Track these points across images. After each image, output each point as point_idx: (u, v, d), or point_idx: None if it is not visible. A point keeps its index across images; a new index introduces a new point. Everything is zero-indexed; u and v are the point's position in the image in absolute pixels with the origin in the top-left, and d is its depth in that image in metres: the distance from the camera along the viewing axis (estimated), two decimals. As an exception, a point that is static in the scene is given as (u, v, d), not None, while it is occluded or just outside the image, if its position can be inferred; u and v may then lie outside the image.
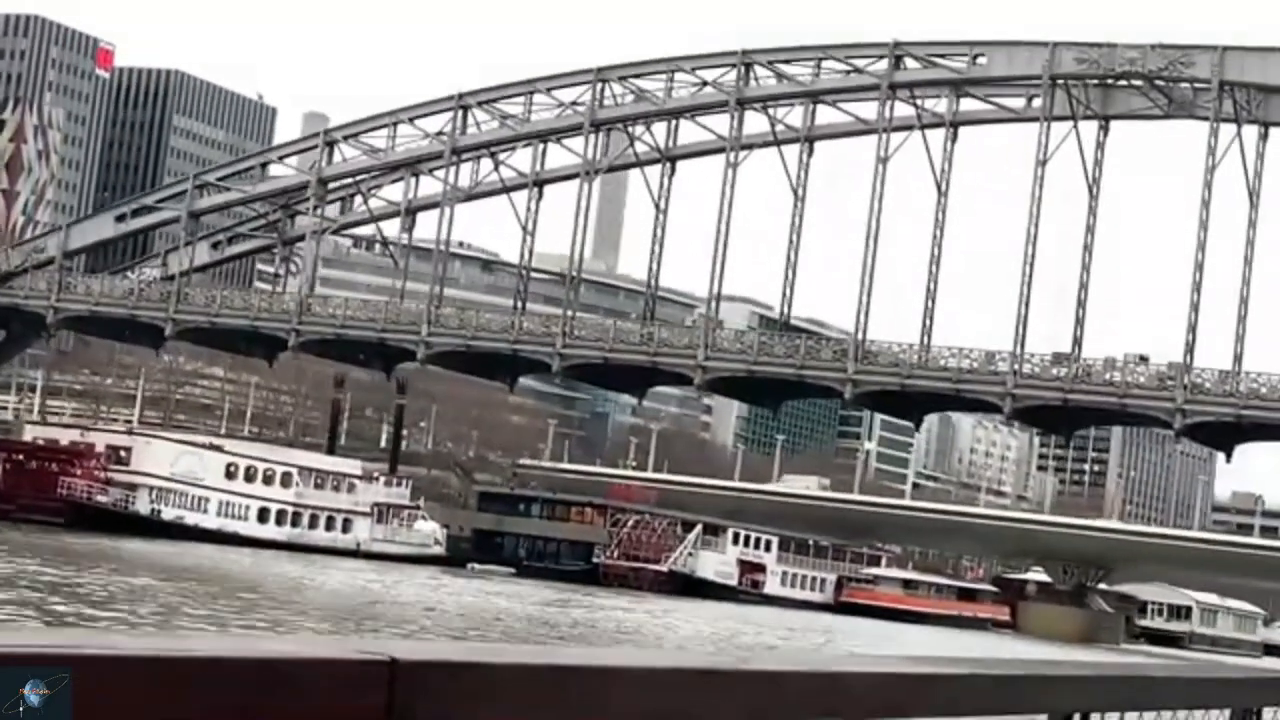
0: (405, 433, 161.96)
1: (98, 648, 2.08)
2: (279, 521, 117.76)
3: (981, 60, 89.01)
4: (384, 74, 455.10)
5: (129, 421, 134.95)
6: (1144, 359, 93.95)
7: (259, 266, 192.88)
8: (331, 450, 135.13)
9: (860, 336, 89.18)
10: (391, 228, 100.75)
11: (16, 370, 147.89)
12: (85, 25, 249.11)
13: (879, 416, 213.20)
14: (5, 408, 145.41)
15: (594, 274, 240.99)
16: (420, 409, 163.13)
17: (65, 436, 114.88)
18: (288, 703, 2.25)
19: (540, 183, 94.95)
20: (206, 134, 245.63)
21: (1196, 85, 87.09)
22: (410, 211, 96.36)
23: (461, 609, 73.63)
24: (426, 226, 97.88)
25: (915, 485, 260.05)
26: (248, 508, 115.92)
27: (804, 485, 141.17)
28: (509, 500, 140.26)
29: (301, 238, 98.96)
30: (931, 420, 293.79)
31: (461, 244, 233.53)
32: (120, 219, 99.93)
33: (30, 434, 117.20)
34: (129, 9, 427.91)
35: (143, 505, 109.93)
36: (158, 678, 2.12)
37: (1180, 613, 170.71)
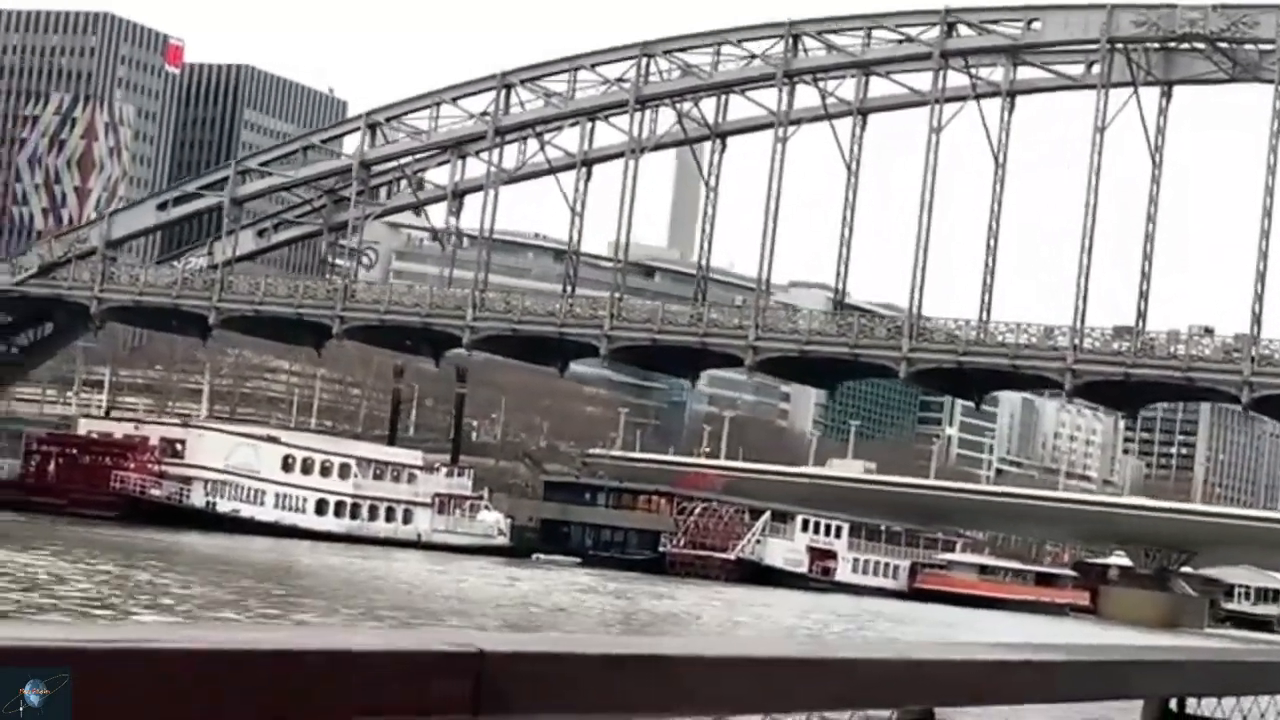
0: (475, 423, 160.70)
1: (181, 641, 2.11)
2: (338, 513, 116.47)
3: (1036, 25, 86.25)
4: (449, 65, 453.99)
5: (195, 415, 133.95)
6: (1209, 331, 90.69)
7: (335, 261, 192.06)
8: (393, 441, 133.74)
9: (915, 313, 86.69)
10: (442, 212, 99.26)
11: (83, 366, 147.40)
12: (154, 22, 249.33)
13: (960, 402, 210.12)
14: (69, 403, 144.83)
15: (667, 261, 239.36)
16: (489, 399, 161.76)
17: (119, 430, 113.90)
18: (375, 695, 2.28)
19: (588, 162, 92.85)
20: (278, 128, 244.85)
21: (1261, 47, 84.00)
22: (457, 194, 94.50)
23: (534, 598, 72.01)
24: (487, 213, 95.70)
25: (998, 471, 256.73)
26: (305, 500, 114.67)
27: (852, 469, 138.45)
28: (575, 489, 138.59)
29: (345, 224, 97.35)
30: (1014, 405, 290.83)
31: (537, 235, 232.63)
32: (162, 207, 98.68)
33: (85, 428, 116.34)
34: (199, 7, 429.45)
35: (198, 498, 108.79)
36: (245, 670, 2.14)
37: (1268, 596, 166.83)
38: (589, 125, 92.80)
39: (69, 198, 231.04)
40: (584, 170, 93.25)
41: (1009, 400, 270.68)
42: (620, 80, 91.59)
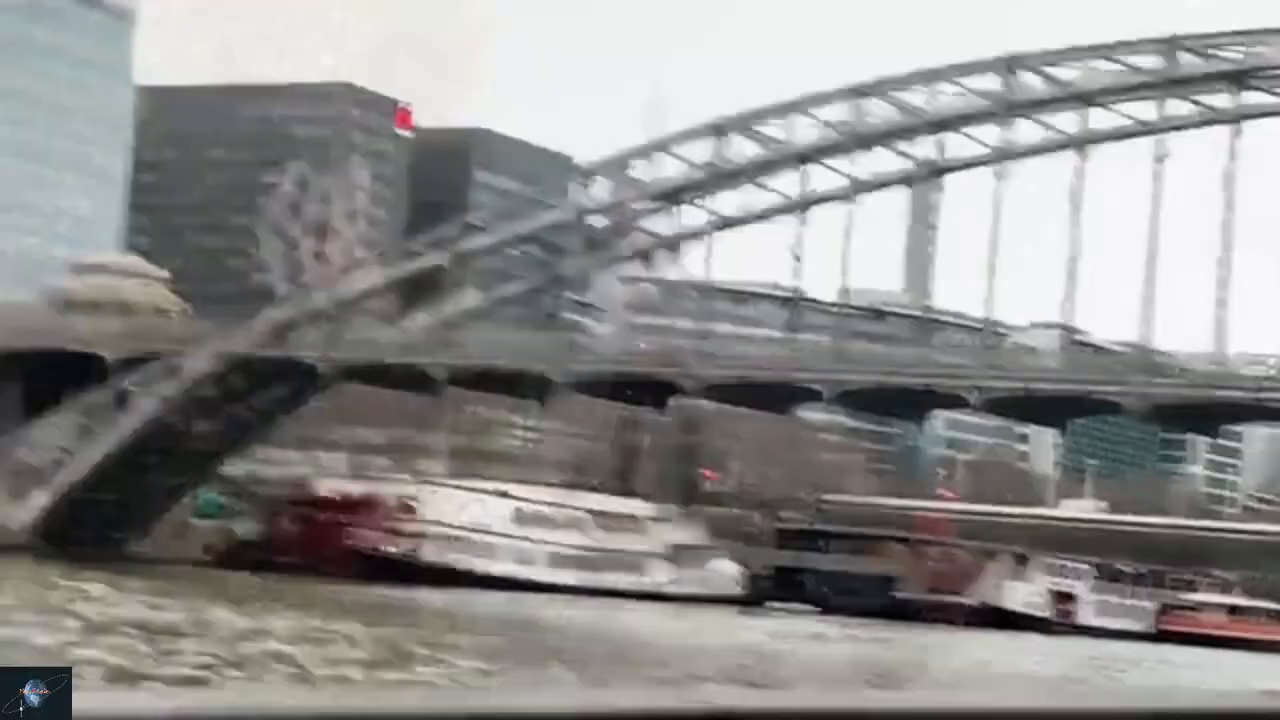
0: (708, 472, 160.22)
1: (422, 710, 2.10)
2: (570, 566, 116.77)
3: (1261, 49, 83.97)
4: (667, 116, 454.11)
5: (432, 473, 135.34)
6: None
7: (565, 315, 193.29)
8: (626, 492, 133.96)
9: (1146, 347, 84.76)
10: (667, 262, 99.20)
11: (321, 427, 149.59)
12: (386, 89, 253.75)
13: (1203, 439, 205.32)
14: (307, 464, 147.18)
15: (899, 305, 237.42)
16: (722, 447, 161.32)
17: (355, 489, 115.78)
18: None
19: (806, 206, 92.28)
20: (511, 188, 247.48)
21: None
22: (677, 243, 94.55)
23: (769, 649, 71.57)
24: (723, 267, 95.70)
25: (1246, 508, 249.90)
26: (538, 553, 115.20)
27: (1084, 509, 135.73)
28: (808, 536, 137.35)
29: (569, 277, 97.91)
30: (1264, 439, 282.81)
31: (775, 285, 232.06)
32: (389, 266, 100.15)
33: (322, 488, 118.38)
34: (429, 73, 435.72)
35: (431, 554, 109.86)
36: None
37: None
38: (805, 169, 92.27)
39: (307, 264, 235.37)
40: (803, 215, 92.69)
41: (1256, 435, 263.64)
42: (839, 122, 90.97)
